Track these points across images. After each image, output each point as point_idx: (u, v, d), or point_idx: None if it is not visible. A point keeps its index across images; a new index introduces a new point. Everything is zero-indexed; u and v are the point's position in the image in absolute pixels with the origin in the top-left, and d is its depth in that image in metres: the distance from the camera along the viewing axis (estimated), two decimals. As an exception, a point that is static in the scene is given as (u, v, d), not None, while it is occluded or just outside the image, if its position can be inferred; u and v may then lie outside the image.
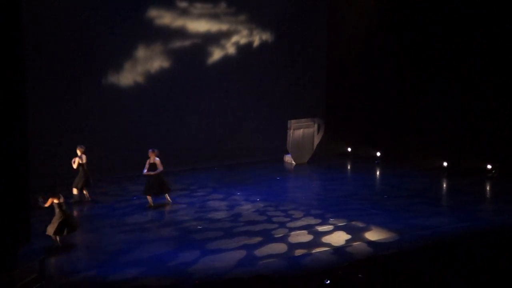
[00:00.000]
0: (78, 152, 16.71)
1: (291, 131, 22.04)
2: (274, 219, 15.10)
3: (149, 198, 16.20)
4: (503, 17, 18.80)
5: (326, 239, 13.46)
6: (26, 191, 12.47)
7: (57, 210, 13.13)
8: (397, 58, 21.70)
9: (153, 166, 16.15)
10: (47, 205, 13.17)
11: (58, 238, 13.04)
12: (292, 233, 13.92)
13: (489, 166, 19.29)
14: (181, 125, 21.27)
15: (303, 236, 13.66)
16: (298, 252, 12.65)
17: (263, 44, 22.89)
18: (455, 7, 19.85)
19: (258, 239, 13.49)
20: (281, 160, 22.64)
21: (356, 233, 13.77)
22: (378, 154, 22.43)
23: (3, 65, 11.79)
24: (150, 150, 16.36)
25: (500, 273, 11.00)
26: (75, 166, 16.73)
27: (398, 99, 21.82)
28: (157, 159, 16.26)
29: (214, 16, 21.77)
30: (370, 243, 13.18)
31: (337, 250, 12.72)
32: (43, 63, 18.33)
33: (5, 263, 11.48)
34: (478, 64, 19.42)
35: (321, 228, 14.21)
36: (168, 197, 16.48)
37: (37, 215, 14.18)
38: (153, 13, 20.56)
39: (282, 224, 14.61)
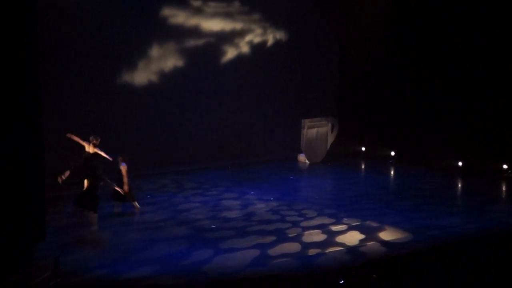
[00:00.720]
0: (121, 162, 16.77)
1: (305, 130, 22.00)
2: (288, 218, 15.08)
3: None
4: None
5: (339, 238, 13.42)
6: (41, 188, 12.57)
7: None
8: (411, 56, 21.58)
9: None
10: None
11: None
12: (306, 232, 13.88)
13: (505, 166, 19.16)
14: (194, 124, 21.28)
15: (317, 236, 13.62)
16: (312, 251, 12.61)
17: (276, 43, 22.87)
18: (475, 1, 19.73)
19: (271, 238, 13.47)
20: (295, 159, 22.61)
21: (369, 233, 13.72)
22: (392, 153, 22.34)
23: (18, 64, 11.88)
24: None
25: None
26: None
27: (412, 98, 21.71)
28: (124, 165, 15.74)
29: (228, 15, 21.77)
30: (384, 243, 13.12)
31: (351, 250, 12.67)
32: (57, 62, 18.38)
33: (20, 261, 11.57)
34: (496, 62, 19.28)
35: (334, 228, 14.17)
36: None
37: (52, 212, 14.30)
38: (166, 12, 20.59)
39: (295, 224, 14.58)
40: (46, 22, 17.29)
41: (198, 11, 21.16)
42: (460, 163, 20.11)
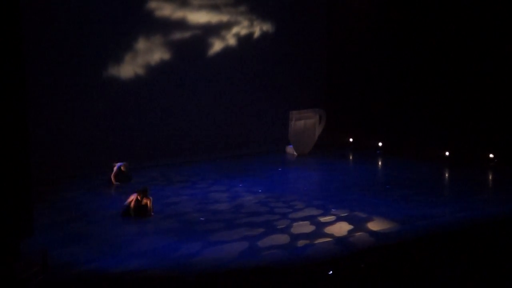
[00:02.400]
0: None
1: (293, 122, 22.00)
2: (276, 210, 15.09)
3: None
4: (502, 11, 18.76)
5: (328, 229, 13.46)
6: (28, 183, 12.47)
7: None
8: (399, 47, 21.62)
9: None
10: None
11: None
12: (294, 224, 13.91)
13: (491, 155, 19.27)
14: (181, 117, 21.23)
15: (305, 227, 13.66)
16: (301, 243, 12.64)
17: (263, 35, 22.81)
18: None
19: (260, 230, 13.49)
20: (283, 151, 22.62)
21: (358, 224, 13.77)
22: (380, 144, 22.40)
23: (2, 59, 11.75)
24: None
25: (501, 263, 11.00)
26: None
27: (399, 89, 21.77)
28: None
29: (214, 7, 21.69)
30: (372, 233, 13.17)
31: (340, 241, 12.71)
32: (41, 57, 18.26)
33: (7, 256, 11.49)
34: (482, 52, 19.36)
35: (323, 219, 14.21)
36: None
37: (39, 207, 14.24)
38: (152, 4, 20.49)
39: (284, 215, 14.60)
40: (30, 15, 17.20)
41: (185, 4, 21.07)
42: (447, 153, 20.20)
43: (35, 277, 10.76)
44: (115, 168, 17.73)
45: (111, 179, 17.68)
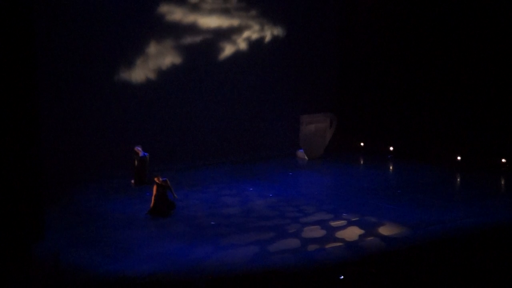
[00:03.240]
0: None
1: (304, 126, 21.97)
2: (287, 214, 15.08)
3: None
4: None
5: (339, 234, 13.43)
6: (39, 188, 12.55)
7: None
8: (410, 51, 21.56)
9: None
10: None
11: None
12: (305, 228, 13.89)
13: (503, 160, 19.17)
14: (192, 121, 21.25)
15: (316, 231, 13.63)
16: (311, 247, 12.62)
17: (274, 39, 22.81)
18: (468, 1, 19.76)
19: (271, 234, 13.48)
20: (294, 155, 22.59)
21: (369, 228, 13.73)
22: (391, 148, 22.33)
23: (15, 63, 11.85)
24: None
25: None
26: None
27: (411, 93, 21.70)
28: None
29: (225, 12, 21.72)
30: (383, 238, 13.13)
31: (350, 245, 12.68)
32: (54, 60, 18.36)
33: (20, 259, 11.56)
34: (494, 58, 19.29)
35: (334, 223, 14.18)
36: None
37: (51, 211, 14.30)
38: (164, 8, 20.54)
39: (295, 220, 14.58)
40: (43, 20, 17.32)
41: (195, 8, 21.11)
42: (459, 157, 20.11)
43: (47, 280, 10.80)
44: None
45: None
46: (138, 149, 18.07)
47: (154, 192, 15.10)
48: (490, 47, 19.32)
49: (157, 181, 15.10)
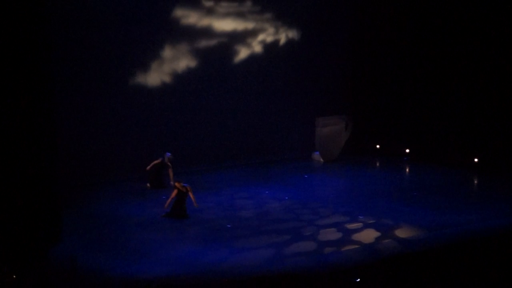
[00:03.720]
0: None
1: (319, 128, 21.95)
2: (302, 217, 15.07)
3: None
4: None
5: (355, 236, 13.39)
6: (56, 191, 12.64)
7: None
8: (425, 53, 21.47)
9: None
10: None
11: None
12: (321, 230, 13.87)
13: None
14: (208, 124, 21.29)
15: (332, 234, 13.61)
16: (327, 250, 12.59)
17: (289, 42, 22.81)
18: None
19: (286, 237, 13.47)
20: (309, 158, 22.57)
21: (385, 231, 13.69)
22: (407, 151, 22.23)
23: (32, 67, 11.94)
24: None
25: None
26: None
27: (426, 96, 21.60)
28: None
29: (240, 15, 21.75)
30: (400, 240, 13.07)
31: (367, 248, 12.64)
32: (71, 65, 18.48)
33: (37, 262, 11.64)
34: (507, 59, 19.17)
35: (350, 226, 14.15)
36: None
37: (68, 214, 14.38)
38: (179, 12, 20.61)
39: (310, 222, 14.57)
40: (59, 25, 17.43)
41: (210, 11, 21.17)
42: (476, 160, 19.98)
43: (64, 283, 10.86)
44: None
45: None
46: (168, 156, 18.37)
47: (173, 195, 15.14)
48: (510, 46, 19.20)
49: (178, 186, 15.13)
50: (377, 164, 22.03)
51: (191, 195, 15.30)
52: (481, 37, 19.82)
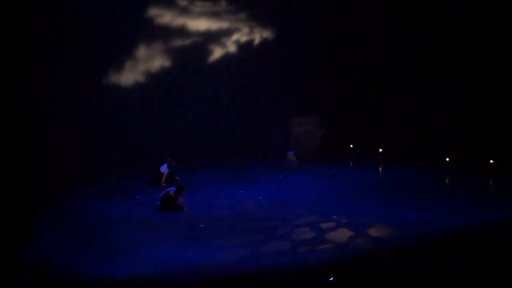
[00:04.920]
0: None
1: (294, 128, 22.03)
2: (277, 216, 15.10)
3: None
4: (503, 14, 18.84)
5: (329, 236, 13.47)
6: (29, 191, 12.52)
7: None
8: (400, 52, 21.69)
9: None
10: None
11: None
12: (296, 230, 13.93)
13: (491, 161, 19.30)
14: (181, 123, 21.27)
15: (307, 233, 13.67)
16: (302, 249, 12.65)
17: (264, 42, 22.85)
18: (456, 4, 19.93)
19: (261, 236, 13.51)
20: (284, 158, 22.64)
21: (359, 230, 13.78)
22: (381, 150, 22.42)
23: (7, 66, 11.83)
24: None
25: (501, 269, 11.03)
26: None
27: (400, 95, 21.82)
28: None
29: (215, 14, 21.75)
30: (374, 239, 13.18)
31: (341, 247, 12.72)
32: (45, 63, 18.33)
33: (9, 262, 11.52)
34: (481, 59, 19.46)
35: (324, 225, 14.22)
36: None
37: (43, 214, 14.26)
38: (153, 12, 20.54)
39: (285, 222, 14.61)
40: (33, 23, 17.26)
41: (185, 11, 21.13)
42: (447, 158, 20.22)
43: (38, 283, 10.78)
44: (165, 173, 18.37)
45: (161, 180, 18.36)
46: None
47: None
48: (480, 47, 19.48)
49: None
50: (351, 164, 22.17)
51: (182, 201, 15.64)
52: (453, 34, 20.10)
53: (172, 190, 15.82)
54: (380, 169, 21.24)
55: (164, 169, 18.50)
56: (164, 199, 15.66)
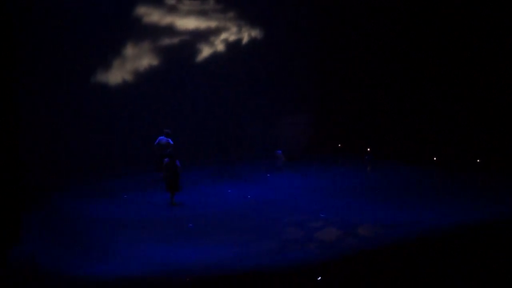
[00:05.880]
0: None
1: (282, 127, 22.02)
2: (265, 215, 15.10)
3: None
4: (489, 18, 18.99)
5: (317, 235, 13.48)
6: (16, 191, 12.44)
7: None
8: (389, 52, 21.75)
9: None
10: None
11: None
12: (284, 229, 13.93)
13: (478, 160, 19.39)
14: (171, 123, 21.18)
15: (295, 233, 13.67)
16: (290, 248, 12.65)
17: (252, 41, 22.82)
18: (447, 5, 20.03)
19: (250, 236, 13.49)
20: (273, 156, 22.60)
21: (347, 229, 13.79)
22: (369, 149, 22.46)
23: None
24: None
25: (489, 267, 11.08)
26: None
27: (389, 95, 21.88)
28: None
29: (203, 13, 21.70)
30: (362, 238, 13.21)
31: (329, 246, 12.73)
32: (32, 63, 18.23)
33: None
34: (466, 60, 19.58)
35: (312, 224, 14.23)
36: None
37: (29, 215, 14.18)
38: (141, 10, 20.47)
39: (273, 221, 14.61)
40: (20, 22, 17.18)
41: (173, 9, 21.07)
42: (435, 158, 20.30)
43: (24, 284, 10.71)
44: None
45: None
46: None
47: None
48: (464, 46, 19.60)
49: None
50: (340, 163, 22.17)
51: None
52: (441, 36, 20.19)
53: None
54: (368, 168, 21.26)
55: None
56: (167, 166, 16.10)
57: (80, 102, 19.42)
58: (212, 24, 21.93)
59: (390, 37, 21.62)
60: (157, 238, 13.44)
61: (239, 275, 11.04)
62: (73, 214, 15.43)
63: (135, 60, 20.55)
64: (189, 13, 21.42)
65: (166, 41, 21.05)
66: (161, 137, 18.51)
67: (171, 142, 18.25)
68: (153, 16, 20.72)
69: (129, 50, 20.39)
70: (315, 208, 15.59)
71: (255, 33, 22.85)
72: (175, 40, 21.20)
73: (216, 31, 22.03)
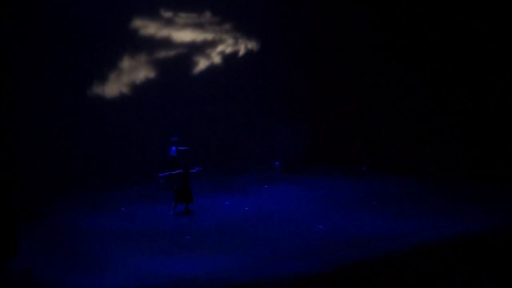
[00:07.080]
0: None
1: (279, 138, 22.02)
2: (263, 227, 15.07)
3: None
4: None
5: (315, 245, 13.45)
6: (12, 204, 12.40)
7: None
8: (384, 64, 21.81)
9: None
10: None
11: None
12: (281, 240, 13.89)
13: (475, 170, 19.42)
14: (166, 134, 21.15)
15: (292, 243, 13.64)
16: (287, 260, 12.61)
17: (249, 52, 22.89)
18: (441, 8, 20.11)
19: (247, 247, 13.45)
20: (269, 168, 22.61)
21: (344, 240, 13.76)
22: (366, 160, 22.44)
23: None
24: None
25: (486, 277, 11.07)
26: None
27: (385, 106, 21.92)
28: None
29: (199, 26, 21.76)
30: (359, 249, 13.17)
31: (327, 257, 12.70)
32: (29, 75, 18.25)
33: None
34: (458, 68, 19.69)
35: (310, 235, 14.20)
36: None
37: (25, 228, 14.12)
38: (137, 23, 20.53)
39: (271, 232, 14.57)
40: (17, 34, 17.21)
41: (169, 22, 21.13)
42: (432, 169, 20.32)
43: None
44: None
45: None
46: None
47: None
48: (462, 55, 19.68)
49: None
50: (336, 174, 22.14)
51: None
52: (435, 43, 20.26)
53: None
54: (365, 179, 21.23)
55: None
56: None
57: (76, 114, 19.42)
58: (209, 36, 21.99)
59: (385, 46, 21.70)
60: (153, 251, 13.38)
61: (236, 287, 10.99)
62: (69, 227, 15.38)
63: (132, 73, 20.57)
64: (185, 25, 21.49)
65: (163, 53, 21.10)
66: (172, 147, 18.41)
67: (181, 148, 18.36)
68: (150, 28, 20.78)
69: (126, 62, 20.42)
70: (312, 219, 15.56)
71: (252, 45, 22.91)
72: (171, 53, 21.25)
73: (212, 43, 22.08)
